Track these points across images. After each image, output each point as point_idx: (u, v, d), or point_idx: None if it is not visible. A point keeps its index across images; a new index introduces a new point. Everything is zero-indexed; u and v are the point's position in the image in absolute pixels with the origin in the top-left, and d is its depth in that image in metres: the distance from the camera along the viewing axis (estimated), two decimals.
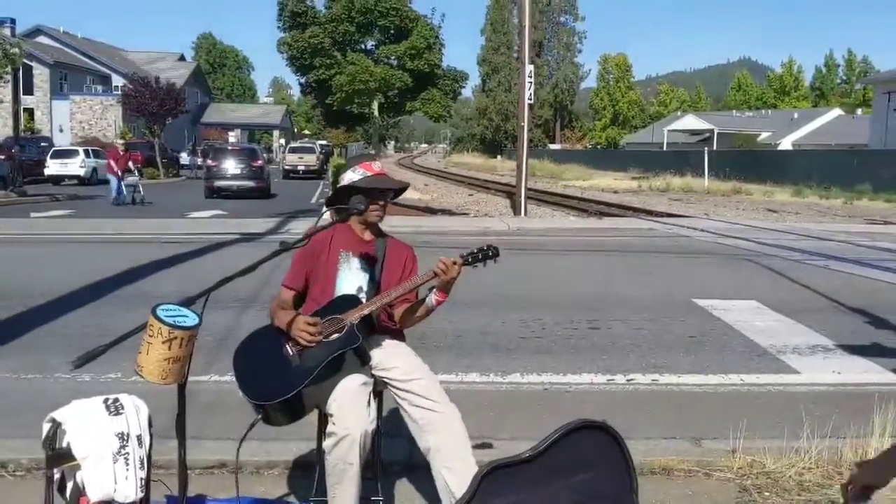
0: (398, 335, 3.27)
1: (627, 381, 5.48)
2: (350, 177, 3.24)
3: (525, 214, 18.36)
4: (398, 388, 3.05)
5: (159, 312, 2.30)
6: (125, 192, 21.13)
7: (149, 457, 2.87)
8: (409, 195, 26.18)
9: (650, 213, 20.02)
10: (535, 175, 37.97)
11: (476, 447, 3.12)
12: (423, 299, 3.09)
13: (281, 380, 2.91)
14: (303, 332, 2.94)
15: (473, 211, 22.06)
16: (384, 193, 3.24)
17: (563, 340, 6.55)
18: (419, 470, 3.22)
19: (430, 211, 21.35)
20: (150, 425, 2.89)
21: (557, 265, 11.26)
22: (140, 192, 21.52)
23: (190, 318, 2.34)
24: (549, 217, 20.42)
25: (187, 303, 2.42)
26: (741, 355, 6.10)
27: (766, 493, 3.63)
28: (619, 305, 7.87)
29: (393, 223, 13.85)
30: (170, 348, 2.28)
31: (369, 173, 3.22)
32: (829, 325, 6.94)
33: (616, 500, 2.78)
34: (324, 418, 3.03)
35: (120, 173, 21.10)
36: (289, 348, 2.98)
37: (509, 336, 6.66)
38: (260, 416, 2.96)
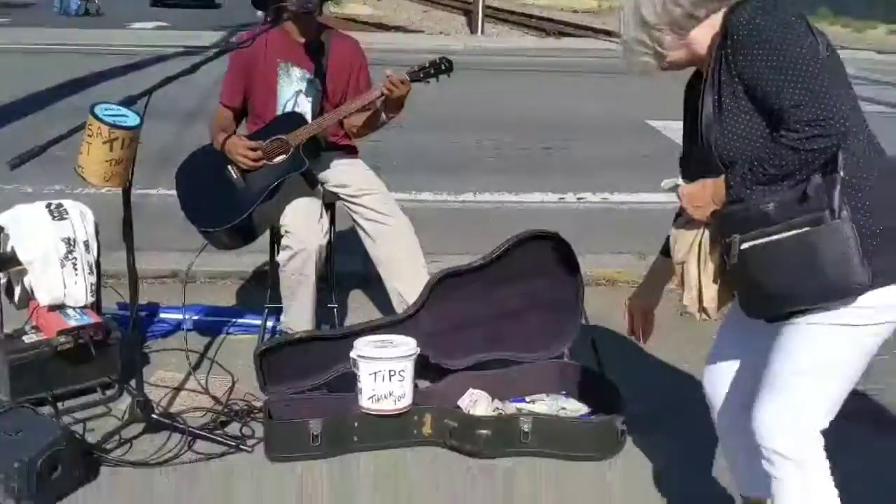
0: (350, 151, 3.18)
1: (578, 199, 5.55)
2: None
3: (482, 33, 17.84)
4: (351, 203, 3.02)
5: (98, 111, 2.19)
6: (76, 1, 19.66)
7: (97, 263, 2.86)
8: (358, 10, 25.15)
9: (609, 34, 19.54)
10: None
11: (426, 261, 3.15)
12: (376, 111, 2.95)
13: (226, 205, 2.83)
14: (243, 157, 2.82)
15: (428, 28, 21.31)
16: None
17: (516, 160, 6.55)
18: (373, 282, 3.26)
19: (382, 27, 20.57)
20: (97, 232, 2.86)
21: (514, 86, 11.06)
22: (95, 2, 20.08)
23: (131, 119, 2.24)
24: (507, 36, 19.87)
25: (127, 102, 2.30)
26: None
27: None
28: (574, 126, 7.83)
29: None
30: (111, 149, 2.19)
31: None
32: None
33: (563, 305, 2.87)
34: (277, 232, 3.01)
35: None
36: (232, 171, 2.88)
37: (463, 156, 6.63)
38: (207, 242, 2.91)
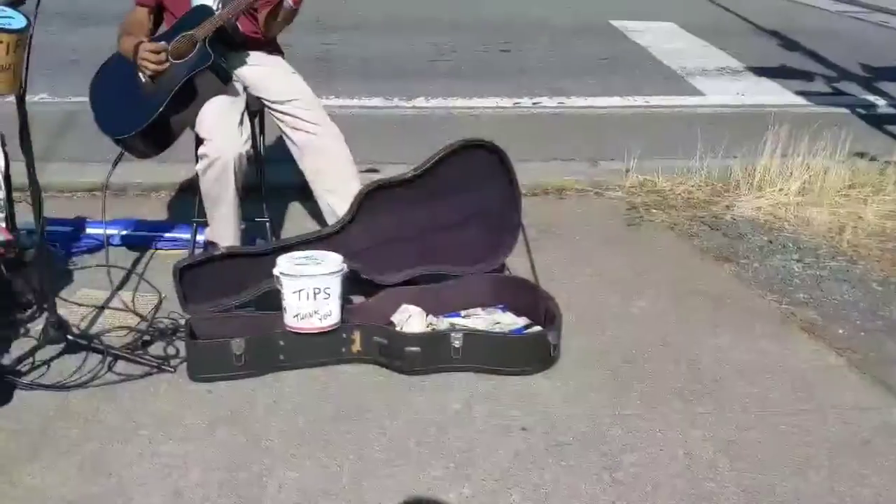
0: (271, 48, 2.99)
1: (533, 104, 5.39)
2: None
3: None
4: (275, 110, 2.87)
5: None
6: None
7: (7, 176, 2.72)
8: None
9: None
10: None
11: (367, 171, 3.01)
12: (282, 2, 2.75)
13: (135, 110, 2.68)
14: (145, 60, 2.65)
15: None
16: None
17: (472, 64, 6.34)
18: (309, 193, 3.12)
19: None
20: (3, 144, 2.70)
21: None
22: None
23: (16, 21, 2.04)
24: None
25: (14, 3, 2.11)
26: (649, 78, 6.04)
27: (654, 210, 3.71)
28: (532, 27, 7.60)
29: None
30: None
31: None
32: (741, 48, 6.89)
33: (500, 217, 2.76)
34: (200, 140, 2.85)
35: None
36: (141, 75, 2.71)
37: (417, 60, 6.40)
38: (122, 151, 2.77)
